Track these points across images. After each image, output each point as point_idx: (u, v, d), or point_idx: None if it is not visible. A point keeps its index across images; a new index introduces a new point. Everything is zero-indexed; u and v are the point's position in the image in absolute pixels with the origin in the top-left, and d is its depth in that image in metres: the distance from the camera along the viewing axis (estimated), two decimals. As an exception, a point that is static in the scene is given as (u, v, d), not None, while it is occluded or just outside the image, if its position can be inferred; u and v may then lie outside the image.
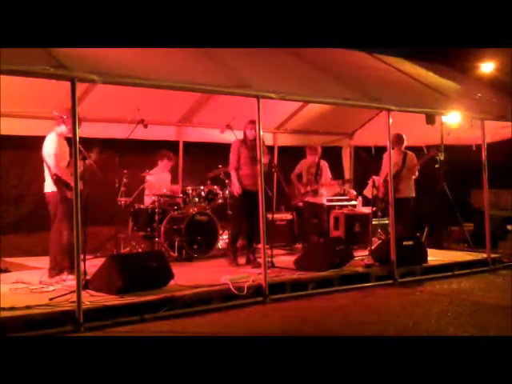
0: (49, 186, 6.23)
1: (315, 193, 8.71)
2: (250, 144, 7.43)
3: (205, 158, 9.37)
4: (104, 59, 5.54)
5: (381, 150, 8.83)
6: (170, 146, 8.86)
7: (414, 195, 8.71)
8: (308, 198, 8.72)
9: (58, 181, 6.12)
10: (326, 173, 8.81)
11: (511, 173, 9.27)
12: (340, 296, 6.53)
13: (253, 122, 7.30)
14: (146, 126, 7.38)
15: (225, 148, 7.74)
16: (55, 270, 6.23)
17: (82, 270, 5.28)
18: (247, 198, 7.36)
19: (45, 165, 6.22)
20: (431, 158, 8.71)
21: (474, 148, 9.14)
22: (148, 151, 8.68)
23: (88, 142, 5.95)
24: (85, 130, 5.48)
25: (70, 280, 5.99)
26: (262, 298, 6.09)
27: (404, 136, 8.47)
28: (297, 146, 9.89)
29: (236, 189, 7.47)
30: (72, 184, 6.09)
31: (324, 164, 8.80)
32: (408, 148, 8.86)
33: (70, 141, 5.25)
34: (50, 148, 6.15)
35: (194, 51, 6.38)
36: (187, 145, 9.42)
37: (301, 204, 8.88)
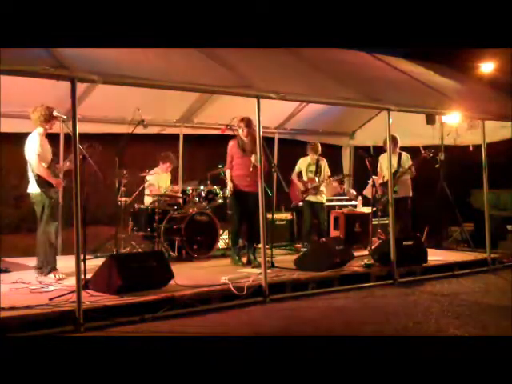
0: (33, 187, 6.21)
1: (316, 190, 8.70)
2: (242, 144, 7.41)
3: (205, 153, 9.40)
4: (104, 59, 5.54)
5: (380, 150, 8.84)
6: (170, 140, 8.86)
7: (411, 195, 8.72)
8: (309, 197, 8.73)
9: (40, 181, 6.13)
10: (325, 170, 8.82)
11: (511, 173, 9.28)
12: (340, 296, 6.52)
13: (243, 120, 7.28)
14: (146, 126, 7.39)
15: (226, 142, 7.69)
16: (48, 268, 6.24)
17: (81, 269, 5.29)
18: (241, 198, 7.37)
19: (28, 165, 6.21)
20: (425, 159, 8.70)
21: (471, 148, 9.19)
22: (148, 146, 8.69)
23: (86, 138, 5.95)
24: (84, 130, 5.48)
25: (65, 279, 6.06)
26: (262, 297, 6.09)
27: (398, 137, 8.45)
28: (297, 140, 9.93)
29: (228, 188, 7.52)
30: (54, 183, 6.13)
31: (323, 161, 8.82)
32: (406, 148, 8.87)
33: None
34: (33, 148, 6.13)
35: (194, 51, 6.39)
36: (188, 141, 9.42)
37: (301, 204, 8.89)
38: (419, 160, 8.69)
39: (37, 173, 6.12)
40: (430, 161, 8.82)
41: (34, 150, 6.13)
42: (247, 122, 7.21)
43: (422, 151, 8.68)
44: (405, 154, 8.76)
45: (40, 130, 6.24)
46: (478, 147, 8.64)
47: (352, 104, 7.49)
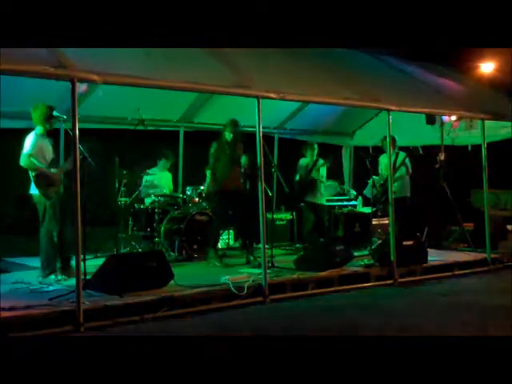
0: (33, 188, 6.18)
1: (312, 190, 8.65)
2: (227, 145, 7.43)
3: (206, 153, 9.39)
4: (104, 59, 5.54)
5: (380, 150, 8.85)
6: (170, 140, 8.85)
7: (408, 195, 8.72)
8: (308, 198, 8.68)
9: (38, 182, 6.08)
10: (322, 171, 8.73)
11: (511, 173, 9.28)
12: (340, 296, 6.53)
13: (231, 124, 7.33)
14: (146, 126, 7.40)
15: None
16: (48, 269, 6.22)
17: (81, 269, 5.29)
18: (225, 198, 7.40)
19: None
20: (411, 153, 8.71)
21: (469, 148, 9.20)
22: (149, 145, 8.69)
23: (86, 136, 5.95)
24: (83, 126, 5.48)
25: (63, 280, 6.04)
26: (262, 297, 6.08)
27: (395, 137, 8.42)
28: (297, 140, 9.93)
29: (206, 190, 7.65)
30: (51, 177, 6.10)
31: (321, 163, 8.72)
32: (406, 148, 8.87)
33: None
34: (28, 148, 6.07)
35: (193, 51, 6.37)
36: (188, 140, 9.41)
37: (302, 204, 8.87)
38: (410, 156, 8.70)
39: (34, 173, 6.09)
40: (429, 160, 8.83)
41: (26, 149, 6.06)
42: (234, 124, 7.28)
43: (410, 148, 8.72)
44: (402, 154, 8.76)
45: (39, 129, 6.22)
46: (477, 147, 8.64)
47: (352, 104, 7.49)
